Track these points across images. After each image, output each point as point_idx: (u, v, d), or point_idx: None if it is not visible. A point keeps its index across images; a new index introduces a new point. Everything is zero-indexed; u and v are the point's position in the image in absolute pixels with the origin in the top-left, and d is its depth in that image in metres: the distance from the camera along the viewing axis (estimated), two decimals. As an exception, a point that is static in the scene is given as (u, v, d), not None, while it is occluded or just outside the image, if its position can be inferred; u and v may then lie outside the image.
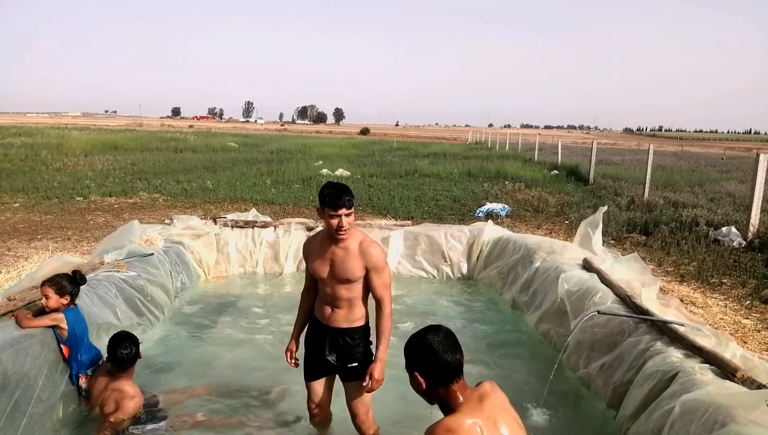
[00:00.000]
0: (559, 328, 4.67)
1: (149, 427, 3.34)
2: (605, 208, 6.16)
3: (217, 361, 4.43)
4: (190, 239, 6.55)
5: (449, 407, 1.94)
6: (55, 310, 3.47)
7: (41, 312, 3.52)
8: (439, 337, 1.96)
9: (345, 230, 2.72)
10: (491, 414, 1.91)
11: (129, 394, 3.38)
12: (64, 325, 3.48)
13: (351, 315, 2.92)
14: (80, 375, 3.57)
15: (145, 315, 4.85)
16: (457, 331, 5.54)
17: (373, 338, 2.97)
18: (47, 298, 3.45)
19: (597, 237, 5.71)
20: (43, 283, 3.48)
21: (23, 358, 3.20)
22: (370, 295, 2.93)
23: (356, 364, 2.94)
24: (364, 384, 2.82)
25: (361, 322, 2.96)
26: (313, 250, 2.94)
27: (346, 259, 2.82)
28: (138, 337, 3.57)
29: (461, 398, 1.94)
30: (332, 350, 2.96)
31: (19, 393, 3.10)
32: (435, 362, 1.92)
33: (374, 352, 2.88)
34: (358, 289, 2.87)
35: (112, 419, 3.29)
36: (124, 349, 3.38)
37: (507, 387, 4.00)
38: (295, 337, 3.15)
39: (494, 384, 2.08)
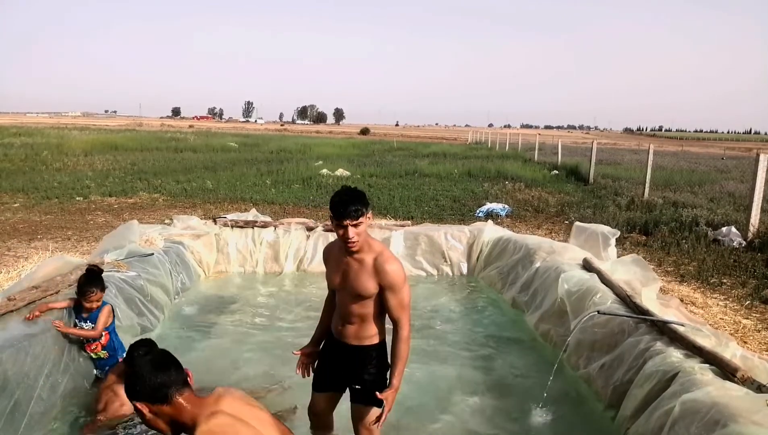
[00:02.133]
0: (559, 328, 4.67)
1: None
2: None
3: (216, 360, 4.43)
4: (190, 239, 6.54)
5: (184, 423, 1.90)
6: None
7: (77, 306, 3.80)
8: (146, 357, 1.98)
9: (353, 242, 2.52)
10: (233, 411, 1.93)
11: (121, 398, 3.38)
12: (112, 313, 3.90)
13: (362, 332, 2.69)
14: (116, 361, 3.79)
15: (145, 315, 4.84)
16: (457, 331, 5.50)
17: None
18: (97, 300, 3.73)
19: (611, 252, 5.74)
20: (90, 287, 3.70)
21: (23, 358, 3.20)
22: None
23: (359, 386, 2.71)
24: (376, 418, 2.56)
25: (372, 341, 2.71)
26: (330, 257, 2.77)
27: (360, 274, 2.60)
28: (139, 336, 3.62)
29: (192, 406, 1.90)
30: (339, 367, 2.78)
31: (19, 392, 3.10)
32: (149, 384, 1.87)
33: (388, 378, 2.61)
34: (371, 305, 2.64)
35: (97, 417, 3.32)
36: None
37: (507, 386, 4.05)
38: (313, 342, 2.95)
39: (228, 388, 2.08)
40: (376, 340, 2.72)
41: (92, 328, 3.73)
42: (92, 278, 3.75)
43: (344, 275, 2.66)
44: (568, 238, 6.74)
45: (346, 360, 2.76)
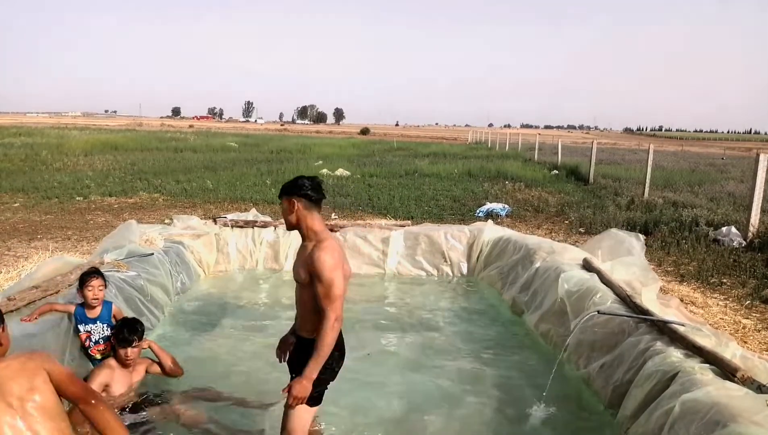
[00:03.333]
0: (559, 328, 4.67)
1: (148, 425, 3.35)
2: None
3: (215, 360, 4.43)
4: (190, 239, 6.55)
5: None
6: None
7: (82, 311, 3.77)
8: None
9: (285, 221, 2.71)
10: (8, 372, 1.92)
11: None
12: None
13: (305, 324, 2.69)
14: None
15: (144, 315, 4.83)
16: (457, 331, 5.50)
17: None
18: (100, 289, 3.75)
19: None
20: (91, 279, 3.72)
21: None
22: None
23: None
24: (281, 391, 2.60)
25: (314, 334, 2.61)
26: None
27: (299, 261, 2.68)
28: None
29: None
30: (292, 358, 2.83)
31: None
32: None
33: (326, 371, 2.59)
34: (311, 296, 2.59)
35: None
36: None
37: (507, 386, 4.05)
38: (291, 332, 2.96)
39: (33, 356, 2.03)
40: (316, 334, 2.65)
41: (109, 326, 3.77)
42: (94, 271, 3.85)
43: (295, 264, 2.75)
44: (569, 238, 6.75)
45: (296, 352, 2.80)
